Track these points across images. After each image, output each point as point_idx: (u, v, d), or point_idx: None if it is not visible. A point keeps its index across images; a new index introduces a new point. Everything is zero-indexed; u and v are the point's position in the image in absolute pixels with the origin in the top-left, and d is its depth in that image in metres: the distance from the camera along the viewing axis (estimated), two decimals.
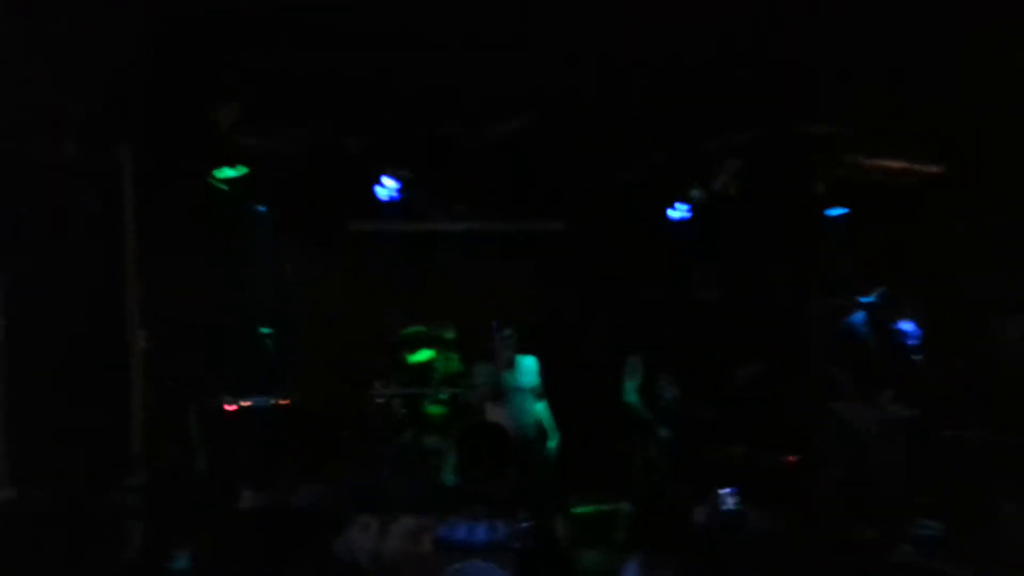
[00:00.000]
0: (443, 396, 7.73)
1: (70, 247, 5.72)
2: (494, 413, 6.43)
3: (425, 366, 7.82)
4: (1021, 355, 7.27)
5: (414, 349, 7.91)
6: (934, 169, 7.38)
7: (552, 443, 6.41)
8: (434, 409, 7.70)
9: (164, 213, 6.16)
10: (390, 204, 7.43)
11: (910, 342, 7.45)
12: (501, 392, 6.43)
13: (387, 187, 7.45)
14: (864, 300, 6.92)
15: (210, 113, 6.37)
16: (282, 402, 6.17)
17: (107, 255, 5.81)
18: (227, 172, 6.84)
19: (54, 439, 5.24)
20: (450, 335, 7.98)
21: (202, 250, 6.57)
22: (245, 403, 5.87)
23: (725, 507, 5.53)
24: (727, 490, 5.57)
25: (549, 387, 6.64)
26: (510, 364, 6.40)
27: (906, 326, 7.40)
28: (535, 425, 6.41)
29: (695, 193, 8.07)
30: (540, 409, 6.46)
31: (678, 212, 8.33)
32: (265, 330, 5.69)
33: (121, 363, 5.60)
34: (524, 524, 4.07)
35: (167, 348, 5.91)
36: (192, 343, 5.99)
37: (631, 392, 7.17)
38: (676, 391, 7.15)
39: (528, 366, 6.48)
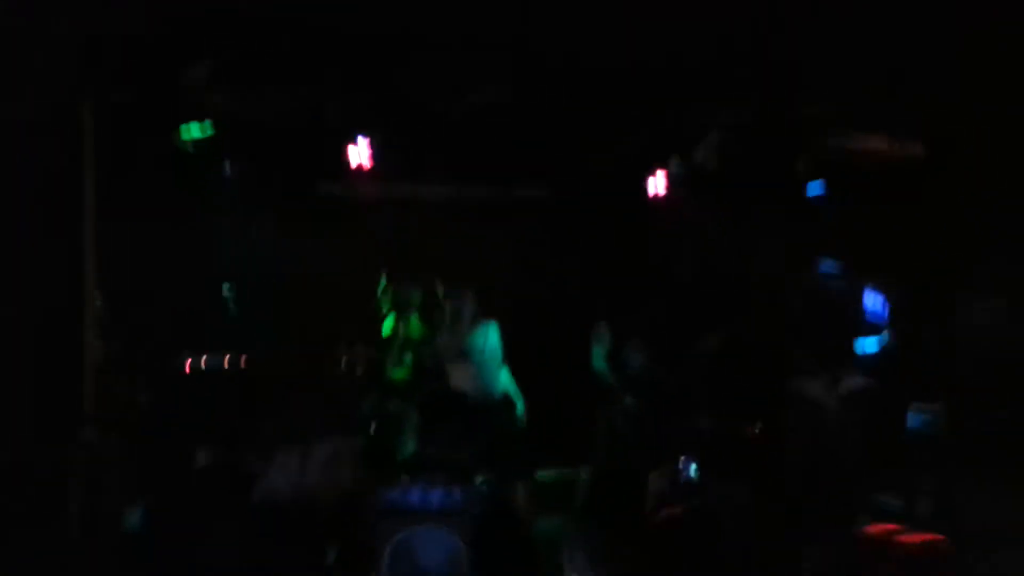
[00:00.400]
0: (407, 360, 7.70)
1: (27, 206, 5.68)
2: (458, 377, 6.40)
3: (390, 330, 7.79)
4: (986, 333, 7.28)
5: (380, 313, 7.87)
6: (914, 149, 7.33)
7: (516, 410, 6.38)
8: (397, 373, 7.67)
9: (126, 172, 6.11)
10: (363, 168, 7.36)
11: (877, 313, 7.43)
12: (464, 356, 6.40)
13: (360, 150, 7.39)
14: (823, 271, 6.88)
15: (180, 72, 6.31)
16: (240, 362, 6.12)
17: (65, 214, 5.75)
18: (194, 132, 6.76)
19: (3, 396, 5.22)
20: (416, 299, 7.92)
21: (166, 209, 6.51)
22: (201, 360, 5.82)
23: (684, 475, 5.51)
24: (687, 459, 5.55)
25: (518, 352, 6.61)
26: (468, 328, 6.36)
27: (874, 299, 7.37)
28: (498, 391, 6.38)
29: (675, 165, 8.01)
30: (503, 375, 6.41)
31: (659, 183, 8.29)
32: (227, 288, 5.62)
33: (76, 321, 5.56)
34: (481, 489, 4.04)
35: (123, 306, 5.86)
36: (149, 301, 5.94)
37: (598, 358, 7.15)
38: (643, 359, 7.11)
39: (488, 332, 6.43)
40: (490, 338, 6.42)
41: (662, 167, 7.98)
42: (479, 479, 4.67)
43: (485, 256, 8.33)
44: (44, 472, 4.96)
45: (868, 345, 6.73)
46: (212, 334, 5.91)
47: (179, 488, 4.96)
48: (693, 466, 5.64)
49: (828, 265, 6.93)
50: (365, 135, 7.33)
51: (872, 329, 6.86)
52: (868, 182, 7.65)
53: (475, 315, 6.38)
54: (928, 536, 5.04)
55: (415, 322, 7.74)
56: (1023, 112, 6.35)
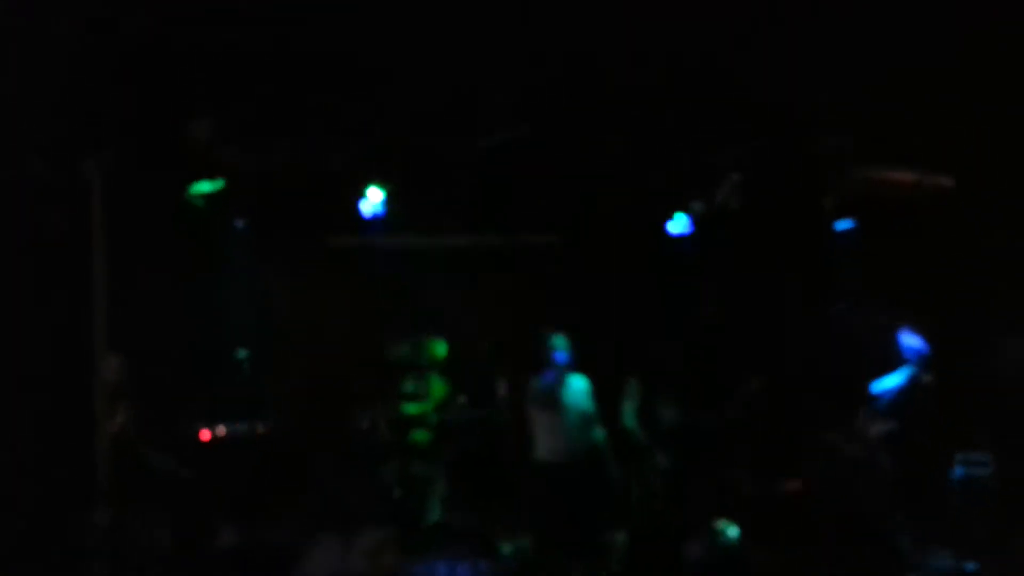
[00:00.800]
0: (431, 420, 7.44)
1: (36, 266, 5.48)
2: (542, 429, 6.11)
3: (414, 389, 7.54)
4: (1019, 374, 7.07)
5: (400, 371, 7.62)
6: (942, 183, 7.16)
7: (604, 471, 6.09)
8: (421, 435, 7.40)
9: (136, 230, 5.91)
10: (374, 219, 7.16)
11: (915, 357, 7.21)
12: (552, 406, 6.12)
13: (371, 201, 7.20)
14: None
15: (185, 127, 6.16)
16: (261, 430, 5.84)
17: (75, 275, 5.55)
18: (204, 186, 6.59)
19: (14, 471, 4.96)
20: (440, 355, 7.69)
21: (176, 268, 6.30)
22: (221, 431, 5.53)
23: (721, 540, 5.26)
24: (724, 521, 5.30)
25: None
26: (559, 379, 6.10)
27: (912, 341, 7.16)
28: (585, 452, 6.09)
29: (696, 206, 7.83)
30: (596, 433, 6.14)
31: (679, 226, 8.09)
32: (242, 352, 5.38)
33: (86, 389, 5.31)
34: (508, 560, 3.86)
35: (137, 372, 5.62)
36: (164, 367, 5.69)
37: (629, 415, 6.87)
38: (676, 413, 6.87)
39: (578, 386, 6.16)
40: (580, 392, 6.16)
41: (684, 210, 7.78)
42: (507, 548, 4.44)
43: (504, 307, 8.12)
44: (55, 556, 4.69)
45: (903, 388, 6.51)
46: (227, 400, 5.63)
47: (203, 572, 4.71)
48: (732, 529, 5.39)
49: (855, 306, 6.75)
50: (377, 185, 7.13)
51: (909, 370, 6.65)
52: (898, 217, 7.47)
53: (567, 363, 6.13)
54: None
55: (437, 379, 7.49)
56: None
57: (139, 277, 5.97)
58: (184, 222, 6.56)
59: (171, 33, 5.20)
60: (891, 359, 6.94)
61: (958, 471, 6.52)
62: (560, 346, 6.27)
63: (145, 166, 6.12)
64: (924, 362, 6.75)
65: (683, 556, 5.51)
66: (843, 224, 7.54)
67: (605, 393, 6.83)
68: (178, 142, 6.20)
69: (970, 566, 5.71)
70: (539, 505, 5.96)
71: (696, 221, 7.88)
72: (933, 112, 6.24)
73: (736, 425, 6.14)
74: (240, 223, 7.33)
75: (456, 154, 7.13)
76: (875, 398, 6.47)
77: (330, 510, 5.11)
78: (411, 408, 7.24)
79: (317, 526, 5.00)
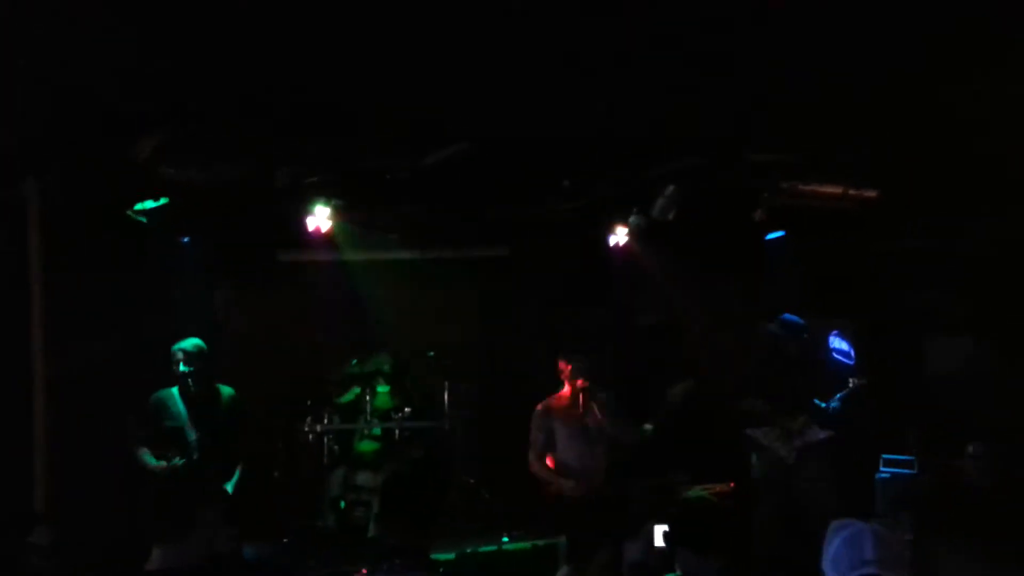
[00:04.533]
0: (376, 431, 7.53)
1: None
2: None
3: (358, 400, 7.62)
4: (948, 375, 7.31)
5: (347, 384, 7.70)
6: (870, 193, 7.39)
7: None
8: (366, 445, 7.49)
9: (76, 248, 5.93)
10: (321, 234, 7.22)
11: (845, 361, 7.44)
12: None
13: (318, 217, 7.26)
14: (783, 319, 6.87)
15: (126, 145, 6.17)
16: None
17: (11, 295, 5.56)
18: (147, 204, 6.60)
19: None
20: (386, 367, 7.78)
21: (118, 285, 6.32)
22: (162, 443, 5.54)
23: (657, 543, 5.39)
24: (659, 525, 5.43)
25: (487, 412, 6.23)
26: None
27: (840, 344, 7.39)
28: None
29: (634, 219, 8.00)
30: None
31: (619, 238, 8.26)
32: (184, 368, 5.43)
33: (24, 411, 5.33)
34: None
35: (75, 393, 5.64)
36: (105, 386, 5.72)
37: None
38: (614, 417, 7.00)
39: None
40: None
41: (621, 222, 7.95)
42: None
43: (446, 318, 8.23)
44: None
45: (834, 394, 6.71)
46: (170, 414, 5.66)
47: None
48: (662, 532, 5.52)
49: (787, 315, 6.94)
50: (322, 201, 7.19)
51: (839, 376, 6.85)
52: (826, 227, 7.70)
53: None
54: None
55: (383, 391, 7.59)
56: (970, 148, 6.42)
57: (79, 294, 5.97)
58: (126, 240, 6.56)
59: (113, 52, 5.21)
60: (822, 366, 7.17)
61: (884, 472, 6.74)
62: None
63: (86, 185, 6.12)
64: (852, 366, 6.98)
65: (622, 558, 5.66)
66: (773, 234, 7.80)
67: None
68: (120, 161, 6.22)
69: None
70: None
71: (634, 232, 8.04)
72: (858, 125, 6.46)
73: (667, 429, 6.28)
74: (185, 239, 7.35)
75: (400, 171, 7.21)
76: (812, 408, 6.64)
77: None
78: (356, 419, 7.32)
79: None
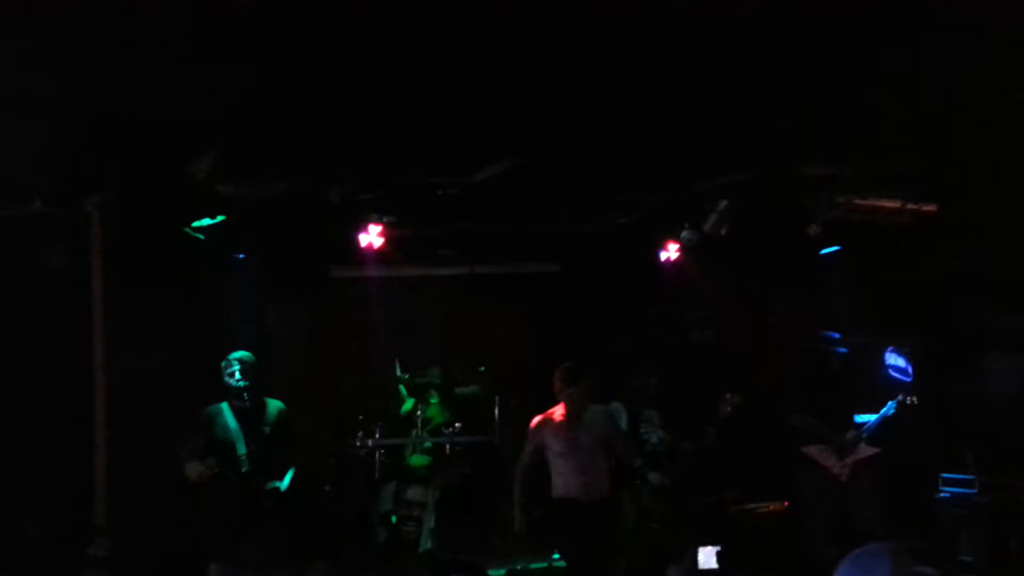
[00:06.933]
0: (427, 445, 7.55)
1: (36, 304, 5.61)
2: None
3: (409, 414, 7.65)
4: (1008, 394, 7.13)
5: (399, 398, 7.74)
6: (928, 207, 7.27)
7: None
8: (416, 460, 7.51)
9: (135, 264, 6.04)
10: (373, 250, 7.28)
11: (901, 378, 7.31)
12: None
13: (370, 234, 7.33)
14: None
15: (183, 162, 6.29)
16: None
17: (74, 311, 5.68)
18: (204, 220, 6.72)
19: (15, 507, 5.07)
20: (437, 382, 7.81)
21: (176, 301, 6.43)
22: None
23: (704, 565, 5.35)
24: (707, 547, 5.38)
25: None
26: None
27: (897, 361, 7.25)
28: None
29: (685, 234, 7.95)
30: None
31: (670, 253, 8.21)
32: (242, 383, 5.49)
33: (85, 426, 5.43)
34: None
35: (134, 406, 5.73)
36: (163, 401, 5.81)
37: None
38: (663, 434, 6.96)
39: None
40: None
41: (672, 237, 7.90)
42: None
43: (497, 333, 8.23)
44: None
45: (889, 415, 6.60)
46: (220, 428, 5.74)
47: None
48: (713, 556, 5.46)
49: (836, 332, 6.86)
50: (375, 218, 7.26)
51: (890, 393, 6.74)
52: (883, 242, 7.58)
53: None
54: None
55: (434, 405, 7.61)
56: None
57: (138, 310, 6.08)
58: (185, 256, 6.68)
59: (172, 72, 5.32)
60: (876, 383, 7.05)
61: (944, 492, 6.58)
62: None
63: (145, 203, 6.25)
64: (909, 383, 6.85)
65: None
66: (828, 250, 7.69)
67: None
68: (179, 179, 6.34)
69: None
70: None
71: (685, 248, 8.00)
72: (916, 139, 6.36)
73: (717, 446, 6.22)
74: (240, 255, 7.47)
75: (451, 187, 7.25)
76: (861, 424, 6.56)
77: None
78: (407, 434, 7.33)
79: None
